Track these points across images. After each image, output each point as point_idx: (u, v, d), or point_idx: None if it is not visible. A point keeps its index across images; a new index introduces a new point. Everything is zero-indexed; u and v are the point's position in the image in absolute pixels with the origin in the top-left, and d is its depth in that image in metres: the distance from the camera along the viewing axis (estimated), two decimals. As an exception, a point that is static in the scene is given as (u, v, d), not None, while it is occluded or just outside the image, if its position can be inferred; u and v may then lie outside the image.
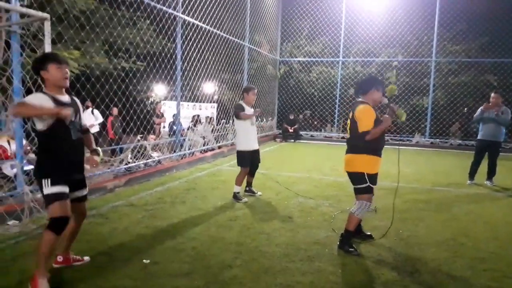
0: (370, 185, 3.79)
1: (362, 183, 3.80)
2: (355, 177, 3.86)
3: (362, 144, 3.77)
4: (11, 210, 4.37)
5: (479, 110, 7.58)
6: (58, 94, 2.92)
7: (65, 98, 2.97)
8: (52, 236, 2.81)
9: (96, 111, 10.20)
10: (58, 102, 2.86)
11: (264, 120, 15.29)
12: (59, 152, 2.87)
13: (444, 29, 15.13)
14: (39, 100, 2.76)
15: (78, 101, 3.15)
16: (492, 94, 7.52)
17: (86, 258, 3.41)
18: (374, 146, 3.78)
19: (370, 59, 16.19)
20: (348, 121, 4.04)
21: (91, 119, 9.83)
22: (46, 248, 2.80)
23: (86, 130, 3.23)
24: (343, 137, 15.32)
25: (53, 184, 2.83)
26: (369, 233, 4.30)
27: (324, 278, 3.27)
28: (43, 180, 2.84)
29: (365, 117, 3.75)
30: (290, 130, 15.64)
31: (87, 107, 9.97)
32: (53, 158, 2.88)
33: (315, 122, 17.84)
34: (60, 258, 3.27)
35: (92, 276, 3.15)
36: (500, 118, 7.28)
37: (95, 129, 9.89)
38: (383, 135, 3.92)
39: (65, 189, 2.88)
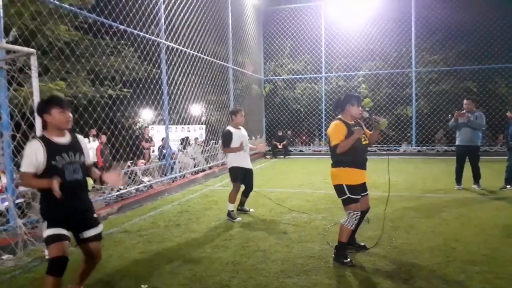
0: (350, 195, 3.92)
1: (343, 195, 3.96)
2: (337, 189, 4.03)
3: (339, 157, 3.96)
4: (4, 244, 4.33)
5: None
6: (58, 135, 2.95)
7: (65, 139, 2.99)
8: (51, 280, 2.78)
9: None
10: (52, 145, 2.89)
11: (253, 138, 15.41)
12: (52, 195, 2.74)
13: (421, 40, 15.60)
14: (33, 153, 2.82)
15: (82, 139, 3.16)
16: (465, 101, 7.74)
17: None
18: (351, 159, 3.94)
19: (352, 73, 16.54)
20: None
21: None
22: None
23: (89, 167, 3.20)
24: (331, 151, 15.48)
25: (49, 226, 2.86)
26: (363, 244, 4.38)
27: (321, 290, 3.32)
28: (43, 223, 2.91)
29: (334, 131, 3.98)
30: (279, 147, 15.78)
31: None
32: (47, 200, 2.88)
33: (304, 137, 18.03)
34: None
35: (91, 305, 3.16)
36: (472, 123, 7.48)
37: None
38: (364, 149, 4.05)
39: (61, 231, 2.86)
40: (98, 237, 3.08)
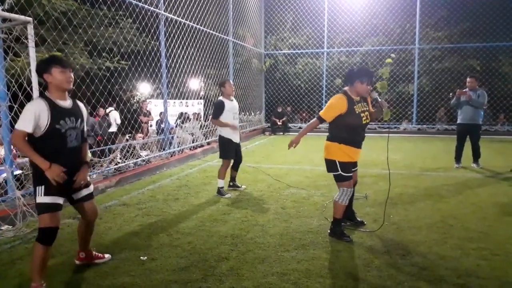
0: (342, 173, 3.88)
1: (334, 171, 3.93)
2: (328, 164, 4.00)
3: (336, 133, 3.92)
4: (4, 215, 4.35)
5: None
6: (60, 98, 2.89)
7: (66, 103, 2.93)
8: (41, 248, 2.81)
9: (115, 112, 10.56)
10: (57, 108, 2.83)
11: (252, 114, 15.33)
12: (53, 159, 2.78)
13: (426, 16, 15.29)
14: (36, 112, 2.73)
15: (82, 106, 3.10)
16: (468, 79, 7.69)
17: (107, 255, 3.48)
18: (349, 137, 3.88)
19: (354, 49, 16.29)
20: None
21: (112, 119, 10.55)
22: (37, 261, 2.80)
23: (85, 139, 3.15)
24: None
25: (46, 193, 2.79)
26: (361, 220, 4.40)
27: (319, 264, 3.35)
28: (37, 188, 2.81)
29: (330, 105, 3.91)
30: (279, 123, 15.70)
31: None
32: None
33: (304, 114, 17.93)
34: (82, 255, 3.34)
35: (91, 276, 3.18)
36: (474, 102, 7.44)
37: (113, 129, 10.44)
38: (363, 128, 4.01)
39: (58, 200, 2.86)
40: (90, 196, 3.18)
